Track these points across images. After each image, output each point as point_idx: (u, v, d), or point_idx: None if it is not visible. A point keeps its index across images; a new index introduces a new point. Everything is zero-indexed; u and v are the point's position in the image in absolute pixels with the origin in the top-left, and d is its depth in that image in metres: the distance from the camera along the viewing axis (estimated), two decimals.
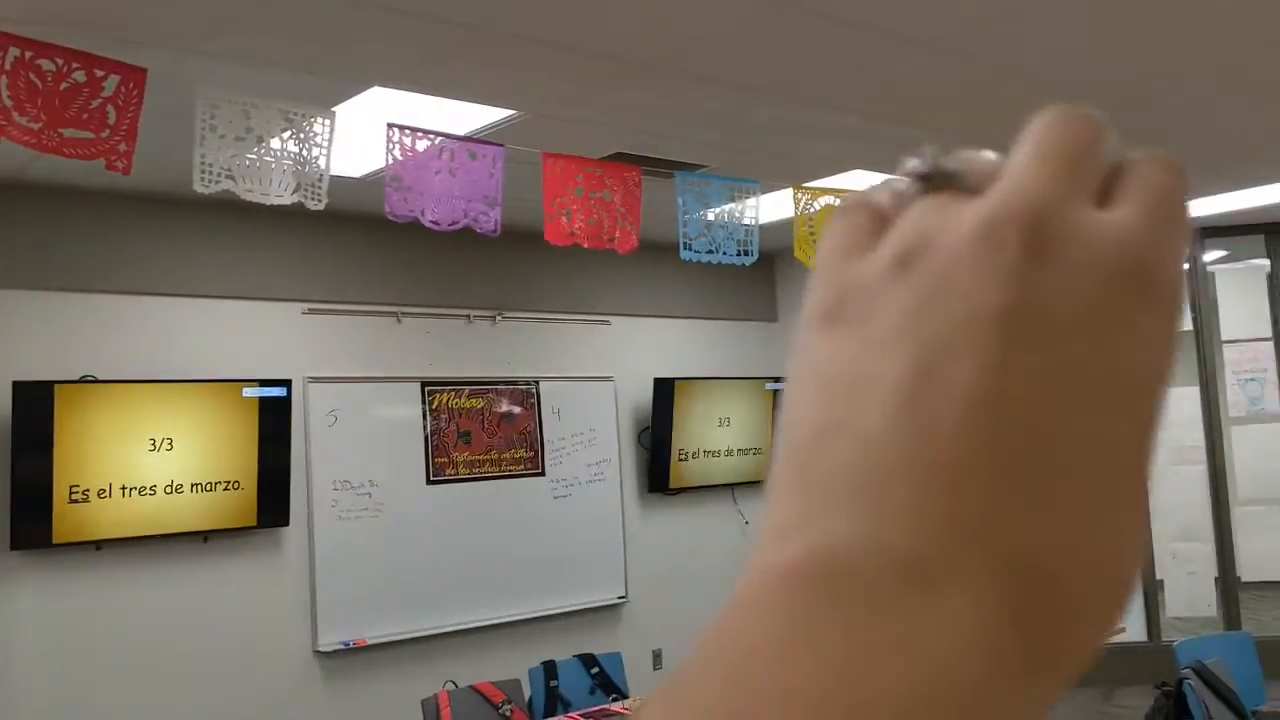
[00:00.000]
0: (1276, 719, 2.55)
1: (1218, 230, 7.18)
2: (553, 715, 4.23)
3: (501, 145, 3.49)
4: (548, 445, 5.95)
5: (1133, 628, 7.01)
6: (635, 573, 6.31)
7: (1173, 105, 4.44)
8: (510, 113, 3.99)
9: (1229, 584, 7.24)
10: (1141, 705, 6.70)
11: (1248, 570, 7.28)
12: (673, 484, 6.47)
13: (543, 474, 5.92)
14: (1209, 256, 7.53)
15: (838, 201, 4.43)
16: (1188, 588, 7.25)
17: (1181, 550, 7.28)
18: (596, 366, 6.29)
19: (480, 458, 5.65)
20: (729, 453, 6.76)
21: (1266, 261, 7.36)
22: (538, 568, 5.82)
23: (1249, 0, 3.35)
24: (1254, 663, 4.32)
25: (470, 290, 5.79)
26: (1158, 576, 7.30)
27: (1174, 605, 7.27)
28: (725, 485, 6.80)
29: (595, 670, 4.53)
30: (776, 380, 7.01)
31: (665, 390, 6.41)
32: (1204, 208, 6.52)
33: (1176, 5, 3.36)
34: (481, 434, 5.67)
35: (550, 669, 4.38)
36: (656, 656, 6.42)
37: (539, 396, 5.94)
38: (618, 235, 3.81)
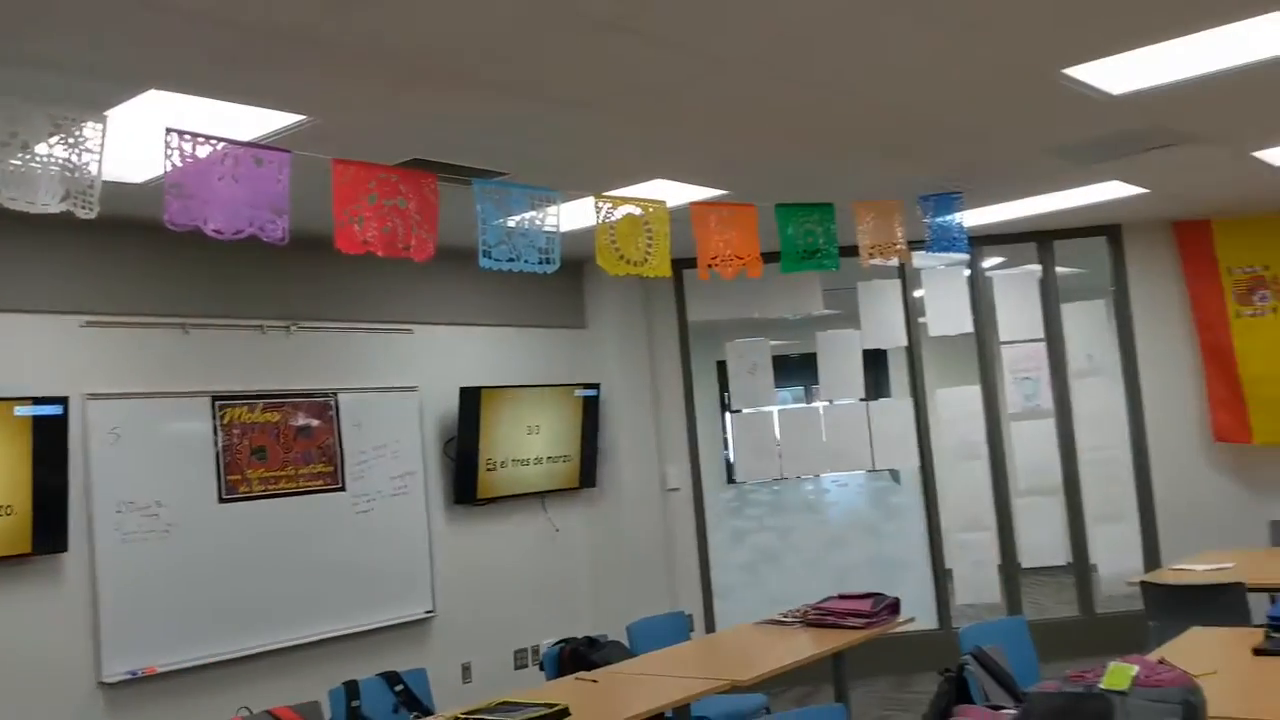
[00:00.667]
0: (1046, 697, 2.73)
1: (995, 239, 7.63)
2: None
3: (288, 151, 3.37)
4: (348, 459, 5.79)
5: (924, 616, 7.38)
6: (443, 586, 6.22)
7: (958, 125, 4.69)
8: (300, 118, 3.87)
9: (1010, 571, 7.71)
10: (932, 691, 7.06)
11: (1027, 556, 7.75)
12: (481, 494, 6.41)
13: (343, 489, 5.76)
14: (988, 263, 7.99)
15: (639, 211, 4.49)
16: (974, 576, 7.67)
17: (968, 540, 7.71)
18: (399, 376, 6.17)
19: (276, 474, 5.45)
20: (539, 460, 6.75)
21: (1038, 267, 7.87)
22: (339, 585, 5.66)
23: (1010, 38, 3.57)
24: (1029, 645, 4.61)
25: (262, 299, 5.58)
26: (947, 566, 7.71)
27: (962, 593, 7.68)
28: (535, 494, 6.78)
29: (399, 688, 4.44)
30: (586, 387, 7.04)
31: (472, 399, 6.34)
32: (983, 217, 6.92)
33: (952, 39, 3.55)
34: (277, 449, 5.47)
35: (352, 689, 4.26)
36: (466, 670, 6.35)
37: (338, 409, 5.78)
38: (413, 243, 3.74)
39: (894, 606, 4.95)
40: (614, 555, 7.13)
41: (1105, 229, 7.86)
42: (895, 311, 7.73)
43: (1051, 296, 7.83)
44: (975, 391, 7.77)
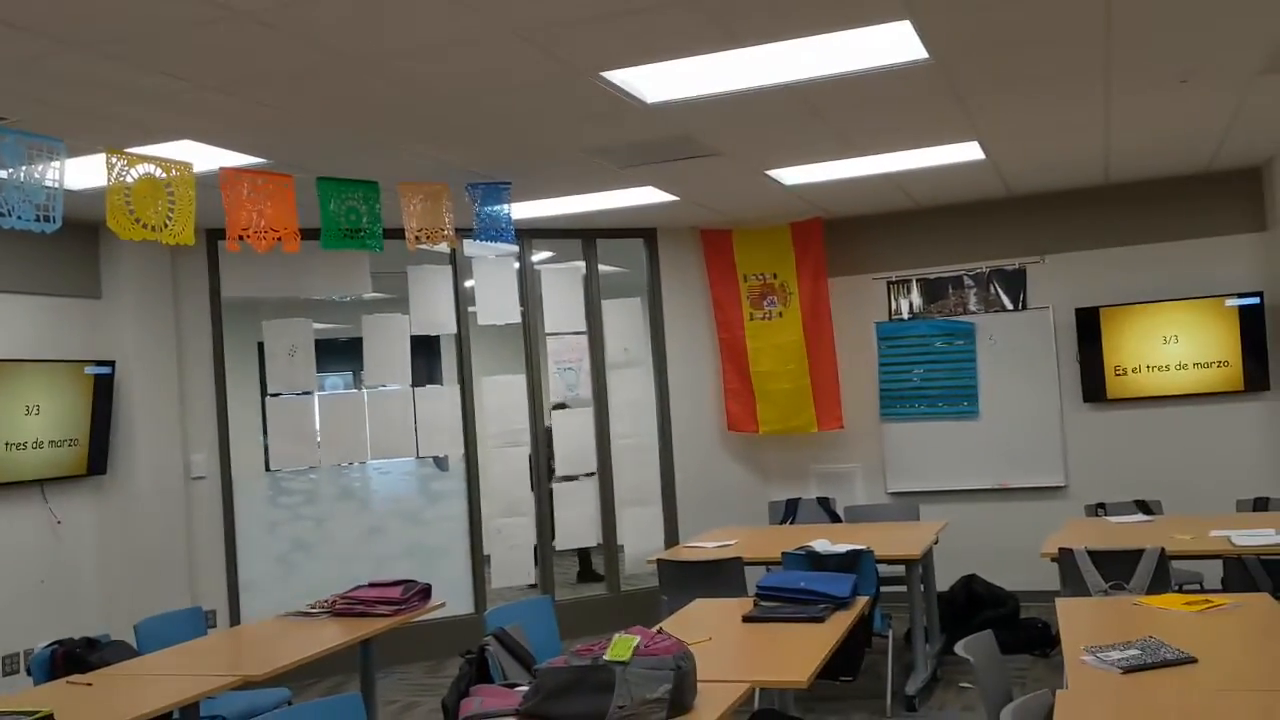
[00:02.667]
0: (555, 672, 2.81)
1: (543, 233, 7.88)
2: None
3: None
4: None
5: (459, 602, 7.46)
6: None
7: (499, 113, 4.73)
8: None
9: (546, 553, 8.00)
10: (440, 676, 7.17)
11: (562, 539, 8.06)
12: None
13: None
14: (537, 257, 8.23)
15: (160, 172, 4.12)
16: (510, 560, 7.87)
17: (506, 525, 7.89)
18: None
19: None
20: (38, 444, 6.01)
21: (582, 264, 8.23)
22: None
23: (550, 32, 3.65)
24: (553, 623, 4.78)
25: None
26: (485, 551, 7.84)
27: (498, 577, 7.85)
28: (34, 481, 6.03)
29: None
30: (99, 364, 6.38)
31: None
32: (531, 211, 7.11)
33: (489, 22, 3.56)
34: None
35: None
36: None
37: None
38: None
39: (425, 592, 4.92)
40: (127, 549, 6.52)
41: (642, 231, 8.38)
42: (445, 298, 7.74)
43: (594, 292, 8.21)
44: (520, 380, 7.98)
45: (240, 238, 4.47)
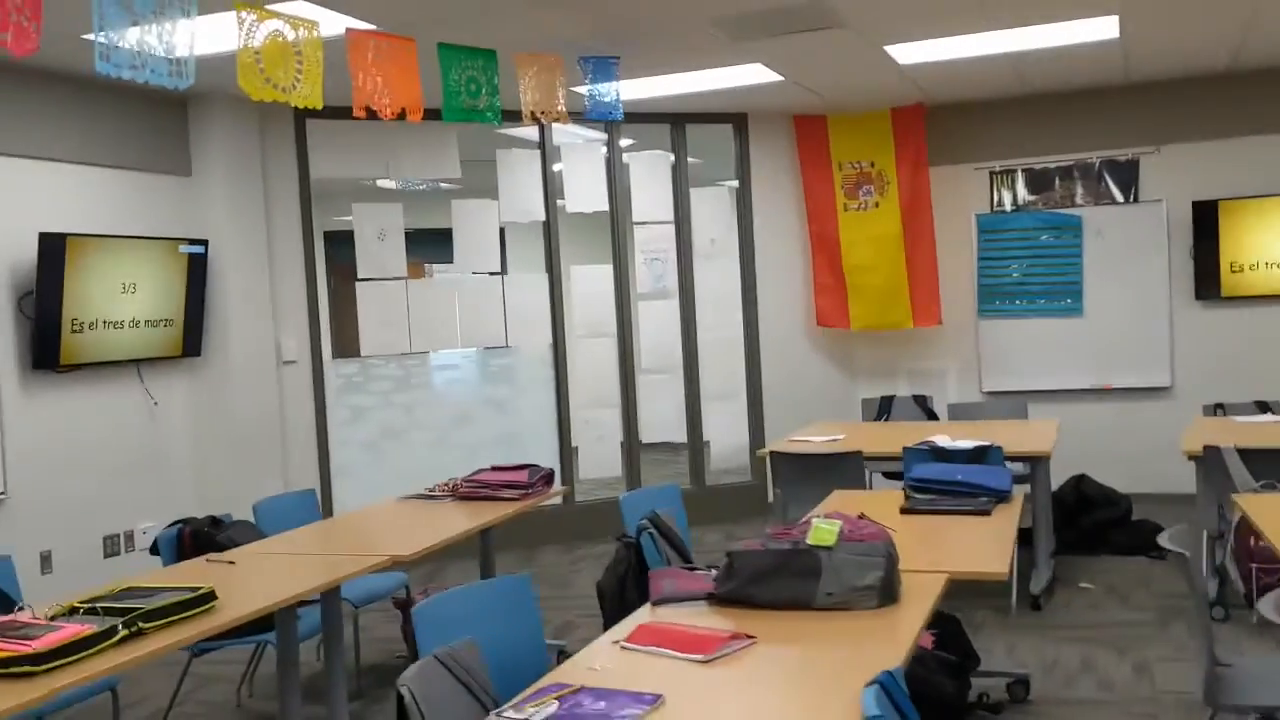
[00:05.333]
0: (754, 555, 2.65)
1: (633, 117, 7.56)
2: None
3: None
4: None
5: None
6: (17, 463, 5.28)
7: None
8: None
9: (632, 446, 7.87)
10: (560, 562, 7.10)
11: (646, 432, 7.93)
12: (64, 360, 5.47)
13: None
14: (624, 143, 7.94)
15: (288, 30, 3.87)
16: (597, 452, 7.74)
17: (593, 417, 7.75)
18: None
19: None
20: (135, 324, 5.87)
21: (670, 153, 7.93)
22: None
23: None
24: (682, 512, 4.62)
25: None
26: (573, 444, 7.72)
27: (586, 469, 7.74)
28: (130, 361, 5.91)
29: None
30: (193, 243, 6.20)
31: (54, 248, 5.36)
32: (625, 93, 6.80)
33: None
34: None
35: None
36: (46, 559, 5.47)
37: None
38: (11, 31, 2.95)
39: (549, 478, 4.79)
40: (221, 432, 6.42)
41: (733, 117, 8.05)
42: (534, 185, 7.48)
43: (682, 180, 7.93)
44: (608, 270, 7.76)
45: (367, 107, 4.23)
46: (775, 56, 6.23)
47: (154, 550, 4.25)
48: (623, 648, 2.46)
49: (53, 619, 2.77)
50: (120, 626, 2.68)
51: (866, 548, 2.69)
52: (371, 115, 4.29)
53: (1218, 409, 6.47)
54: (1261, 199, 7.30)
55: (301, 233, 6.90)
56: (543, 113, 5.20)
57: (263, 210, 6.67)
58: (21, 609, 2.83)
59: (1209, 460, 4.88)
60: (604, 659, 2.39)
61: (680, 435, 8.08)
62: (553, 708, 2.06)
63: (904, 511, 3.87)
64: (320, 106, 3.99)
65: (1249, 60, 7.05)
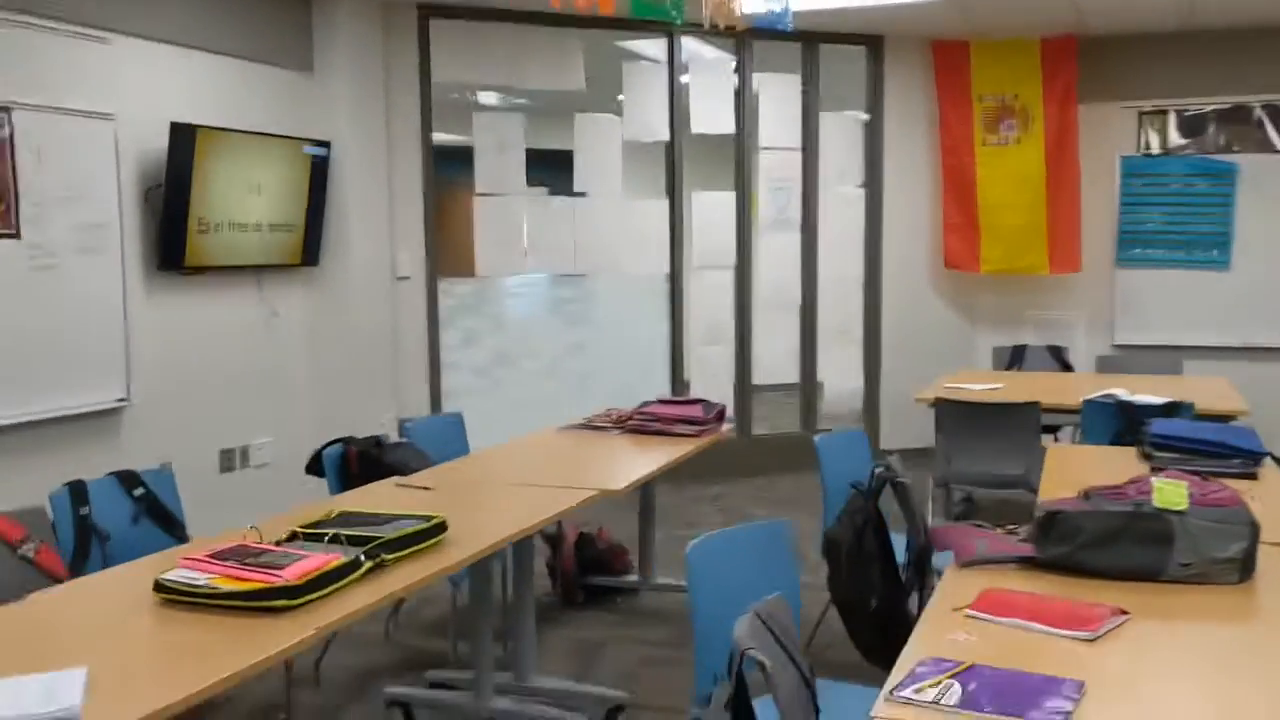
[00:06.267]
0: (1087, 516, 2.31)
1: (761, 34, 7.08)
2: (87, 552, 3.06)
3: None
4: (23, 197, 4.34)
5: None
6: (140, 369, 4.96)
7: None
8: None
9: (745, 388, 7.51)
10: (680, 502, 6.69)
11: (759, 373, 7.57)
12: (189, 261, 5.13)
13: (16, 235, 4.33)
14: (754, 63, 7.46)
15: None
16: (709, 389, 7.36)
17: (706, 354, 7.39)
18: (90, 99, 4.68)
19: None
20: (258, 227, 5.52)
21: (798, 76, 7.46)
22: (8, 361, 4.31)
23: None
24: (868, 458, 4.27)
25: None
26: (685, 378, 7.36)
27: None
28: (251, 267, 5.58)
29: (139, 492, 3.36)
30: (316, 144, 5.83)
31: (185, 139, 4.99)
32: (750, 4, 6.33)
33: None
34: None
35: (79, 492, 3.15)
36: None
37: (11, 129, 4.29)
38: None
39: (722, 413, 4.44)
40: (337, 348, 6.09)
41: (868, 39, 7.57)
42: (660, 103, 7.06)
43: (813, 105, 7.48)
44: (730, 198, 7.34)
45: None
46: None
47: (311, 469, 3.94)
48: (967, 616, 2.12)
49: (277, 545, 2.46)
50: (363, 557, 2.36)
51: (1226, 513, 2.33)
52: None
53: None
54: None
55: (420, 142, 6.51)
56: (722, 16, 4.76)
57: (383, 115, 6.28)
58: (251, 530, 2.51)
59: None
60: (957, 630, 2.05)
61: (793, 376, 7.71)
62: (955, 690, 1.72)
63: (1154, 471, 3.49)
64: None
65: None
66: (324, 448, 3.95)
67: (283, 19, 5.81)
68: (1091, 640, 1.97)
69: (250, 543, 2.41)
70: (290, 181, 5.66)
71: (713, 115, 7.19)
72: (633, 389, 7.10)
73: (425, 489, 3.29)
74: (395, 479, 3.43)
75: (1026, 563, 2.43)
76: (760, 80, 7.36)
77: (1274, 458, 3.59)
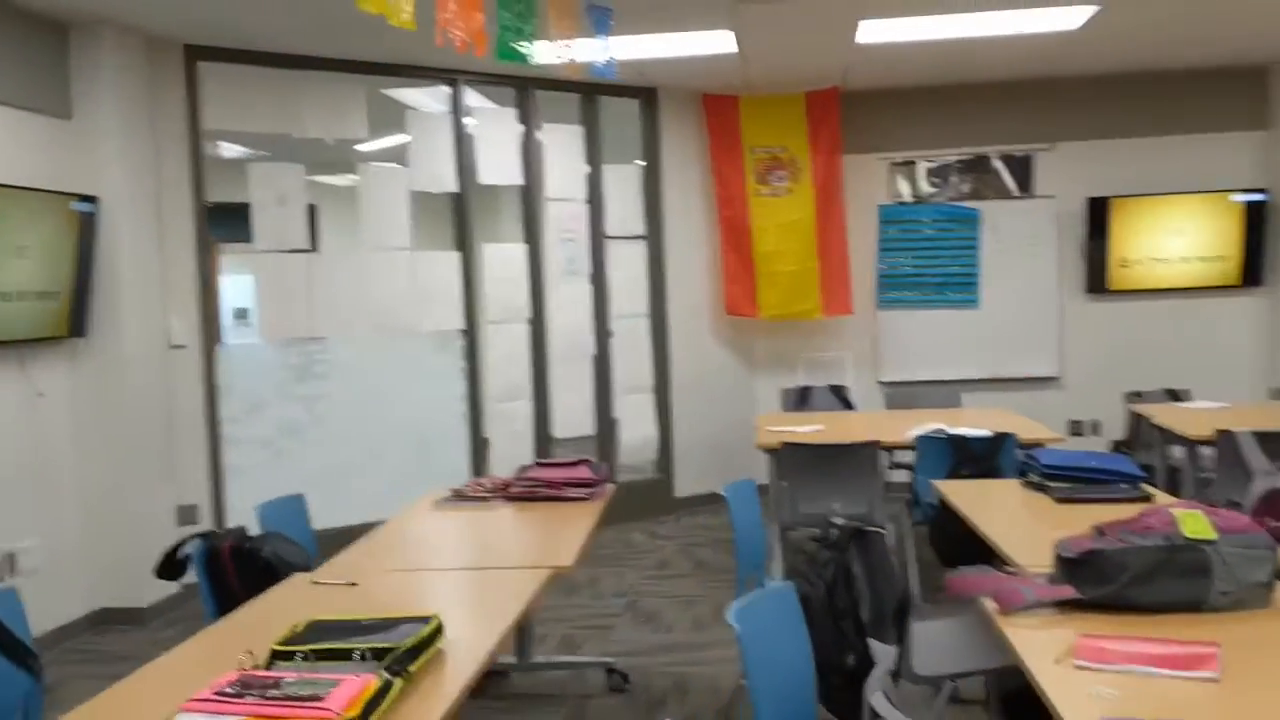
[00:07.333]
0: (1130, 553, 2.33)
1: (541, 83, 7.00)
2: None
3: None
4: None
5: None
6: None
7: None
8: None
9: (543, 440, 7.28)
10: None
11: (560, 426, 7.36)
12: None
13: None
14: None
15: None
16: (509, 447, 7.10)
17: (505, 410, 7.11)
18: None
19: None
20: (22, 296, 4.76)
21: (582, 129, 7.40)
22: None
23: None
24: (757, 506, 4.20)
25: None
26: (484, 435, 7.04)
27: (499, 464, 7.07)
28: (11, 343, 4.78)
29: None
30: (83, 199, 5.11)
31: None
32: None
33: None
34: None
35: None
36: None
37: None
38: None
39: (609, 472, 4.22)
40: (106, 428, 5.34)
41: (641, 91, 7.63)
42: (446, 151, 6.76)
43: (595, 156, 7.43)
44: (521, 250, 7.14)
45: (443, 30, 3.53)
46: (746, 26, 5.89)
47: (163, 573, 3.37)
48: (1077, 667, 2.05)
49: (268, 669, 2.04)
50: (385, 673, 1.99)
51: (1250, 539, 2.41)
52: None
53: (1134, 396, 6.74)
54: (1150, 196, 7.70)
55: (192, 194, 5.87)
56: (566, 65, 4.61)
57: (153, 165, 5.62)
58: (247, 654, 2.05)
59: (1224, 446, 4.98)
60: (1086, 684, 1.98)
61: (590, 428, 7.56)
62: None
63: (1060, 500, 3.63)
64: (414, 29, 3.27)
65: (1130, 64, 7.40)
66: (177, 547, 3.40)
67: (33, 58, 5.07)
68: (1216, 680, 1.96)
69: (250, 670, 1.97)
70: (56, 243, 4.92)
71: (499, 166, 6.98)
72: (431, 450, 6.73)
73: (352, 584, 2.87)
74: (309, 576, 2.98)
75: (1069, 605, 2.41)
76: (545, 131, 7.22)
77: (1147, 480, 3.83)
